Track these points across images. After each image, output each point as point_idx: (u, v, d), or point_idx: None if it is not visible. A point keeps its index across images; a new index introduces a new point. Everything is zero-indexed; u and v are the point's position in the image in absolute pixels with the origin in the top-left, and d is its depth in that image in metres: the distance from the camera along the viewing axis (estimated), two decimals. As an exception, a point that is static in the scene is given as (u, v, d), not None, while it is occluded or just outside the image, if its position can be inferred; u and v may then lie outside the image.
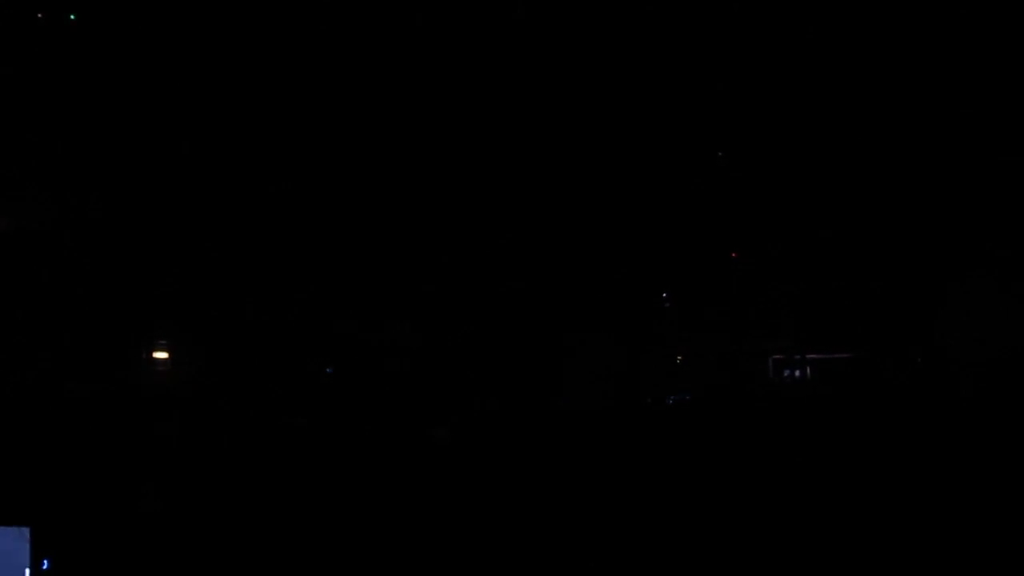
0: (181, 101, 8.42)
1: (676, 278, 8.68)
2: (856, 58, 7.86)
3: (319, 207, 8.66)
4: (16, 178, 7.90)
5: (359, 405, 7.82)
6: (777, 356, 7.69)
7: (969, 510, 6.17)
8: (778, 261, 7.61)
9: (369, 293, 8.93)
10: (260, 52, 8.31)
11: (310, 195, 8.72)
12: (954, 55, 7.49)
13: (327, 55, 8.33)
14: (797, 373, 7.60)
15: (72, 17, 8.03)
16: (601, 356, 8.88)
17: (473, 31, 8.44)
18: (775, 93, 8.15)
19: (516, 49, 8.48)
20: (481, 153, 9.16)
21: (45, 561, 5.39)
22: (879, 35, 7.70)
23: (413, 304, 8.56)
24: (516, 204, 9.30)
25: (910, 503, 6.42)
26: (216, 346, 8.21)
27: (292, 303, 8.39)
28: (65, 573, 5.57)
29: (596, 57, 8.55)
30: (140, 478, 7.01)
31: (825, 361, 7.79)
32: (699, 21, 8.29)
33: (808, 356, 7.62)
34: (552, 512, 6.85)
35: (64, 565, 5.54)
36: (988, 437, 6.50)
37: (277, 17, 8.17)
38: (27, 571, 5.33)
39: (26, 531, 5.30)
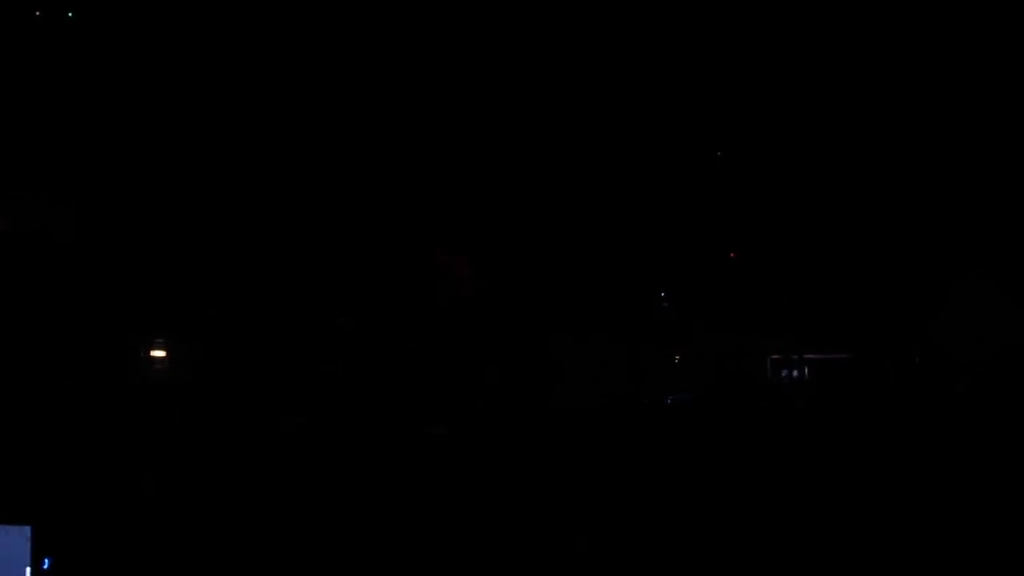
0: (180, 100, 8.40)
1: (675, 278, 8.70)
2: (856, 58, 7.88)
3: (318, 206, 8.66)
4: (16, 178, 7.88)
5: (358, 403, 7.82)
6: (775, 356, 7.70)
7: (968, 509, 6.19)
8: (777, 261, 7.63)
9: (368, 292, 8.93)
10: (260, 51, 8.29)
11: (309, 194, 8.71)
12: (953, 55, 7.51)
13: (328, 54, 8.32)
14: (795, 373, 7.61)
15: (70, 15, 8.01)
16: (599, 356, 8.88)
17: (471, 30, 8.44)
18: (774, 93, 8.16)
19: (513, 48, 8.48)
20: (480, 153, 9.16)
21: (46, 560, 5.37)
22: (878, 35, 7.72)
23: (412, 304, 8.56)
24: (514, 204, 9.30)
25: (908, 502, 6.44)
26: (215, 345, 8.19)
27: (291, 302, 8.38)
28: (66, 572, 5.55)
29: (595, 58, 8.56)
30: (140, 477, 6.99)
31: (823, 361, 7.81)
32: (698, 21, 8.31)
33: (806, 356, 7.64)
34: (550, 511, 6.86)
35: (65, 564, 5.52)
36: (987, 437, 6.53)
37: (277, 16, 8.16)
38: (28, 570, 5.31)
39: (27, 530, 5.27)
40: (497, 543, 6.62)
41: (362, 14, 8.22)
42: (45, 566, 5.33)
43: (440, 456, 7.37)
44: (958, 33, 7.46)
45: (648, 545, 6.56)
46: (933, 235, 7.86)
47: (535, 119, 8.67)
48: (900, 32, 7.65)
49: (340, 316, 8.71)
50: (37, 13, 7.88)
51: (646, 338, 8.74)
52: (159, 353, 8.40)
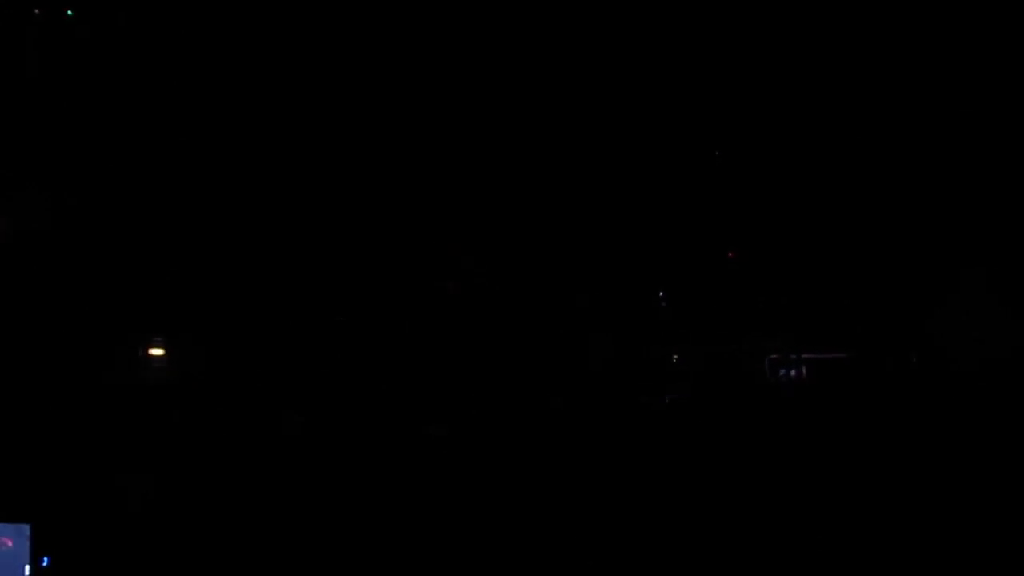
0: (179, 99, 8.39)
1: (672, 277, 8.69)
2: (854, 56, 7.87)
3: (317, 205, 8.64)
4: (14, 178, 7.87)
5: (357, 403, 7.81)
6: (774, 356, 7.70)
7: (967, 509, 6.20)
8: (775, 260, 7.63)
9: (367, 291, 8.92)
10: (260, 50, 8.29)
11: (309, 193, 8.70)
12: (952, 53, 7.52)
13: (328, 53, 8.31)
14: (793, 373, 7.60)
15: (69, 13, 8.00)
16: (597, 355, 8.88)
17: (465, 28, 8.44)
18: (772, 92, 8.16)
19: (509, 46, 8.48)
20: (475, 151, 9.15)
21: (45, 558, 5.38)
22: (877, 33, 7.72)
23: (412, 303, 8.55)
24: (510, 203, 9.29)
25: (907, 502, 6.45)
26: (214, 343, 8.18)
27: (290, 301, 8.37)
28: (65, 570, 5.56)
29: (591, 54, 8.55)
30: (139, 476, 6.99)
31: (822, 361, 7.81)
32: (695, 18, 8.30)
33: (804, 356, 7.63)
34: (549, 511, 6.86)
35: (64, 562, 5.52)
36: (985, 436, 6.53)
37: (277, 15, 8.16)
38: (27, 568, 5.32)
39: (26, 528, 5.28)
40: (495, 542, 6.63)
41: (358, 13, 8.22)
42: (44, 564, 5.33)
43: (440, 457, 7.37)
44: (956, 31, 7.46)
45: (648, 543, 6.57)
46: (932, 234, 7.86)
47: (533, 117, 8.67)
48: (898, 30, 7.65)
49: (339, 315, 8.70)
50: (36, 11, 7.87)
51: (644, 337, 8.73)
52: (158, 352, 8.39)
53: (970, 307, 7.04)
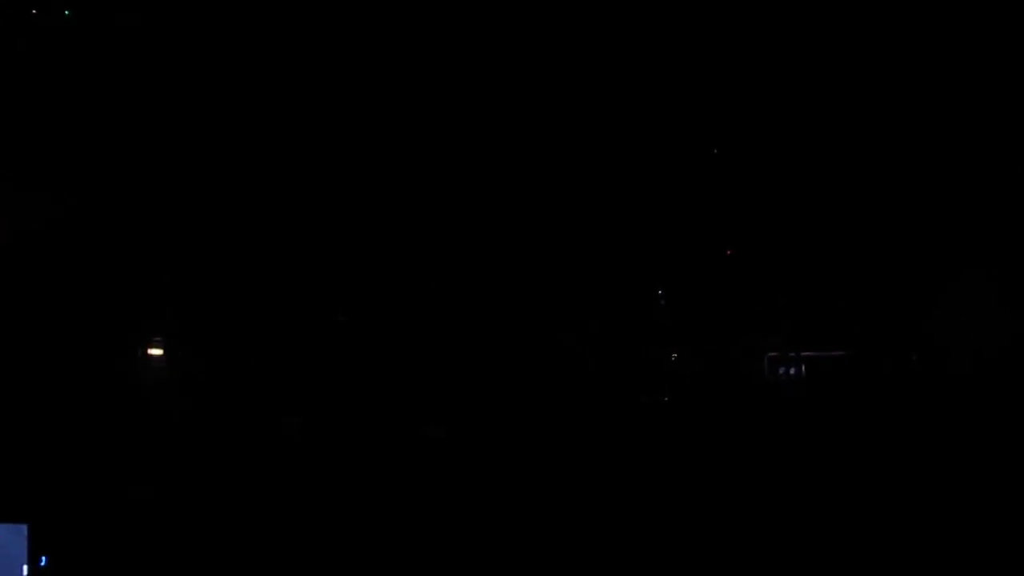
0: (178, 98, 8.39)
1: (671, 276, 8.69)
2: (852, 54, 7.86)
3: (316, 203, 8.64)
4: (14, 178, 7.88)
5: (356, 403, 7.81)
6: (773, 354, 7.69)
7: (966, 509, 6.19)
8: (774, 259, 7.62)
9: (367, 290, 8.92)
10: (259, 50, 8.28)
11: (307, 192, 8.70)
12: (950, 52, 7.51)
13: (327, 54, 8.31)
14: (792, 371, 7.60)
15: (67, 13, 8.00)
16: (596, 354, 8.87)
17: (463, 26, 8.43)
18: (771, 90, 8.15)
19: (506, 45, 8.47)
20: (473, 150, 9.15)
21: (43, 558, 5.38)
22: (875, 31, 7.71)
23: (411, 302, 8.55)
24: (508, 201, 9.29)
25: (906, 502, 6.44)
26: (213, 342, 8.19)
27: (290, 300, 8.37)
28: (63, 570, 5.56)
29: (589, 51, 8.54)
30: (138, 475, 7.00)
31: (821, 359, 7.81)
32: (693, 16, 8.29)
33: (803, 354, 7.63)
34: (547, 511, 6.86)
35: (62, 562, 5.53)
36: (985, 436, 6.53)
37: (277, 15, 8.15)
38: (25, 568, 5.32)
39: (23, 528, 5.28)
40: (494, 542, 6.63)
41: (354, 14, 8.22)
42: (42, 564, 5.33)
43: (439, 458, 7.38)
44: (955, 30, 7.45)
45: (646, 543, 6.56)
46: (930, 232, 7.85)
47: (527, 114, 8.66)
48: (897, 28, 7.64)
49: (339, 314, 8.70)
50: (34, 11, 7.88)
51: (643, 336, 8.73)
52: (157, 351, 8.39)
53: (970, 306, 7.03)
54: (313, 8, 8.28)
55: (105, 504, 6.57)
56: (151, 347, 8.30)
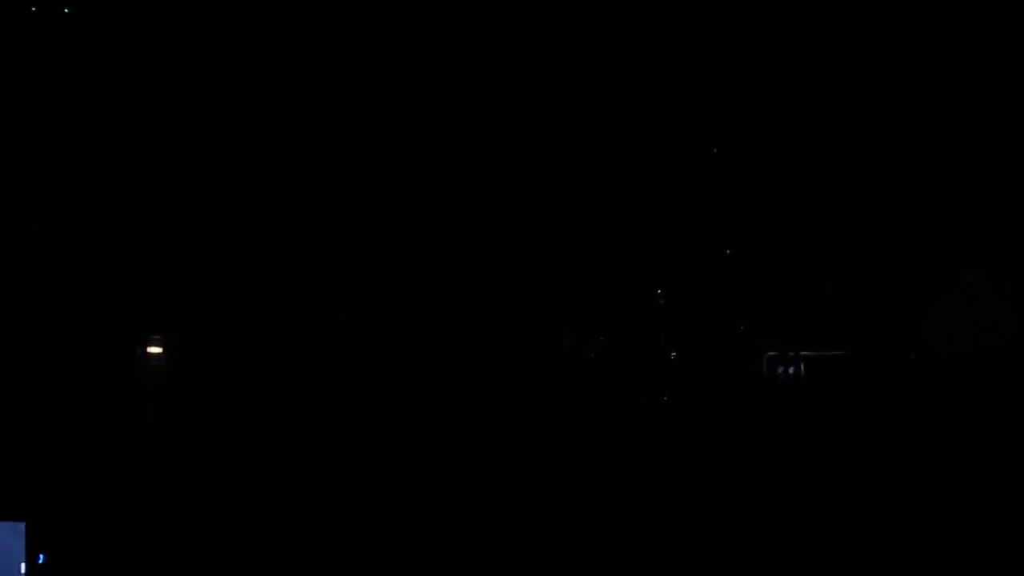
0: (178, 98, 8.39)
1: (670, 275, 8.69)
2: (851, 53, 7.86)
3: (316, 203, 8.64)
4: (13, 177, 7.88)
5: (356, 401, 7.81)
6: (772, 353, 7.69)
7: (965, 509, 6.19)
8: (774, 258, 7.62)
9: (366, 289, 8.91)
10: (259, 50, 8.28)
11: (307, 191, 8.69)
12: (949, 51, 7.50)
13: (326, 52, 8.31)
14: (791, 370, 7.60)
15: (66, 11, 7.99)
16: (595, 353, 8.87)
17: (462, 25, 8.43)
18: (770, 89, 8.15)
19: (505, 43, 8.47)
20: (473, 150, 9.14)
21: (41, 555, 5.37)
22: (874, 30, 7.70)
23: (409, 301, 8.54)
24: (507, 200, 9.29)
25: (904, 501, 6.43)
26: (212, 341, 8.18)
27: (289, 298, 8.37)
28: (61, 568, 5.55)
29: (588, 51, 8.54)
30: (136, 473, 6.99)
31: (820, 359, 7.81)
32: (692, 16, 8.29)
33: (802, 353, 7.63)
34: (546, 510, 6.86)
35: (60, 560, 5.52)
36: (984, 435, 6.53)
37: (278, 16, 8.15)
38: (23, 566, 5.31)
39: (21, 526, 5.28)
40: (492, 542, 6.62)
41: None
42: (40, 562, 5.32)
43: (438, 456, 7.37)
44: (954, 28, 7.45)
45: (645, 542, 6.56)
46: (930, 231, 7.85)
47: (525, 113, 8.66)
48: (895, 27, 7.64)
49: (341, 312, 8.70)
50: (33, 9, 7.87)
51: (642, 336, 8.72)
52: (156, 349, 8.38)
53: (968, 305, 7.03)
54: (312, 6, 8.28)
55: (104, 502, 6.57)
56: (150, 345, 8.30)
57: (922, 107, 7.61)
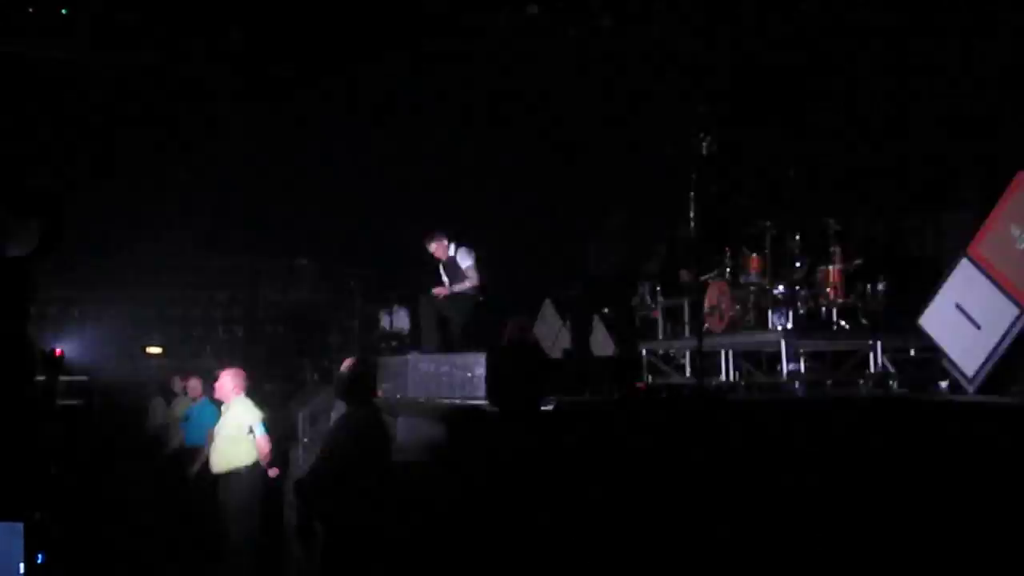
0: (179, 97, 8.41)
1: (671, 275, 8.72)
2: (850, 53, 7.88)
3: (316, 202, 8.66)
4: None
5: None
6: (773, 352, 7.70)
7: (964, 509, 6.17)
8: (773, 251, 7.64)
9: (366, 289, 8.94)
10: (258, 50, 8.30)
11: (307, 190, 8.72)
12: (948, 50, 7.52)
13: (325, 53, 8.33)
14: (791, 368, 7.59)
15: (64, 12, 7.98)
16: (595, 352, 8.90)
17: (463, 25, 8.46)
18: (769, 89, 8.17)
19: (504, 44, 8.50)
20: (472, 148, 9.17)
21: (39, 556, 5.38)
22: (873, 30, 7.72)
23: (409, 300, 8.56)
24: (506, 199, 9.32)
25: (904, 501, 6.42)
26: (212, 339, 8.21)
27: (290, 297, 8.39)
28: (60, 568, 5.56)
29: (588, 50, 8.56)
30: (135, 472, 7.01)
31: (819, 356, 7.83)
32: (692, 15, 8.31)
33: (802, 352, 7.63)
34: (545, 509, 6.85)
35: (59, 560, 5.53)
36: (984, 434, 6.50)
37: (278, 17, 8.17)
38: (21, 566, 5.32)
39: (19, 526, 5.29)
40: (491, 541, 6.62)
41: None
42: (39, 561, 5.34)
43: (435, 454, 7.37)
44: (953, 28, 7.46)
45: (644, 541, 6.55)
46: (930, 230, 7.87)
47: (528, 114, 8.68)
48: (894, 26, 7.65)
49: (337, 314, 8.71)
50: (30, 10, 7.86)
51: (642, 333, 8.75)
52: (155, 349, 8.42)
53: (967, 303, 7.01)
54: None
55: (102, 502, 6.59)
56: (148, 345, 8.33)
57: (922, 109, 7.61)
